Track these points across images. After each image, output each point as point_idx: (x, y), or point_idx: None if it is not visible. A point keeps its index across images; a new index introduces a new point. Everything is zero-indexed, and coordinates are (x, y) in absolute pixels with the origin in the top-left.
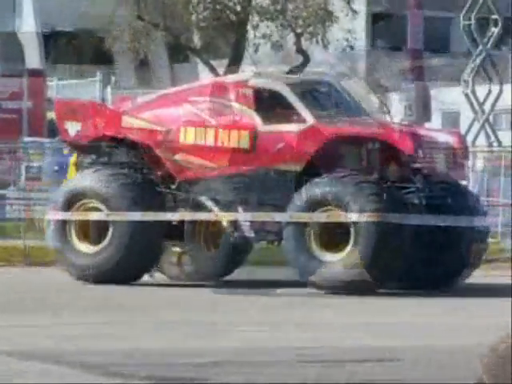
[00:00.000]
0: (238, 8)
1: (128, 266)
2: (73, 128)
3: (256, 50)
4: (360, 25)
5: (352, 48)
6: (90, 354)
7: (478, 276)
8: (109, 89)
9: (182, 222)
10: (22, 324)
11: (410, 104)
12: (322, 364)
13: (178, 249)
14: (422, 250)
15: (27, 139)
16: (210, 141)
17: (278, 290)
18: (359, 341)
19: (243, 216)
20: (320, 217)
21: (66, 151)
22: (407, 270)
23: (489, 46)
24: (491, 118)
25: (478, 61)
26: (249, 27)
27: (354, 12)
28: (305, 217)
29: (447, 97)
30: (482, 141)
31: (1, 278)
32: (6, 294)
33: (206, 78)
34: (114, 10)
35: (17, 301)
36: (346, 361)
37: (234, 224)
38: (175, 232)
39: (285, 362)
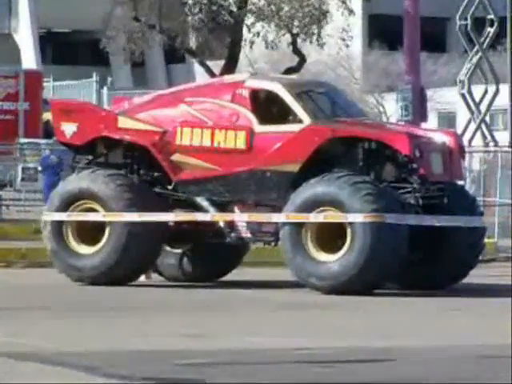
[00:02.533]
0: (234, 9)
1: (125, 266)
2: (69, 129)
3: (251, 47)
4: (356, 25)
5: (347, 46)
6: (88, 355)
7: (475, 276)
8: (105, 89)
9: (178, 223)
10: (21, 325)
11: (407, 104)
12: (320, 365)
13: (174, 249)
14: (419, 250)
15: (23, 140)
16: (206, 141)
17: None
18: (356, 341)
19: (239, 217)
20: (317, 217)
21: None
22: (403, 270)
23: (485, 46)
24: (487, 117)
25: (474, 61)
26: (244, 26)
27: (351, 12)
28: (301, 217)
29: (444, 97)
30: (478, 141)
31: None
32: (4, 296)
33: (201, 78)
34: (110, 12)
35: (15, 302)
36: (343, 361)
37: (231, 225)
38: (172, 233)
39: (281, 362)
